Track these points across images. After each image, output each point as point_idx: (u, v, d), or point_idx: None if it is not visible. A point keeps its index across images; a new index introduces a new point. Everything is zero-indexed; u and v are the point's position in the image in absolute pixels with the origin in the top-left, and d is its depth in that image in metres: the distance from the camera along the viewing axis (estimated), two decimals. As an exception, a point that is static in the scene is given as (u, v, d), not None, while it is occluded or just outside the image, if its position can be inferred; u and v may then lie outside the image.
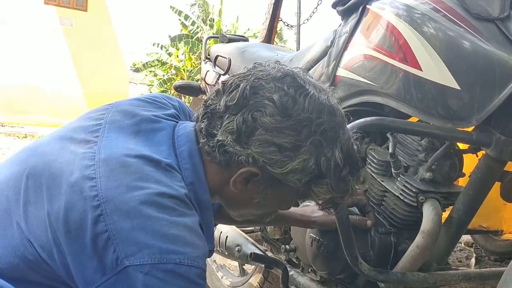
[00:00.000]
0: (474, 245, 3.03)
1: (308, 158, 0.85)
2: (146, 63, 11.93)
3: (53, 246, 0.80)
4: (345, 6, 1.44)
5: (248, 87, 0.86)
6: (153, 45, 11.82)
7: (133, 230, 0.77)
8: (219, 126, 0.87)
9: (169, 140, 0.91)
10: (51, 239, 0.80)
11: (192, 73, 10.95)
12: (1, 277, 0.81)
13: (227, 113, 0.86)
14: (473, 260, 2.78)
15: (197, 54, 10.80)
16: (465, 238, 3.07)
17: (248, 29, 12.19)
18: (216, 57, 2.05)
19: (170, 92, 9.61)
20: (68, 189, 0.81)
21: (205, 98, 0.93)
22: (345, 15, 1.51)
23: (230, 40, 2.18)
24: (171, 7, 11.43)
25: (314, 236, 1.37)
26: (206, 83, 2.13)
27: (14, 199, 0.85)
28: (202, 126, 0.89)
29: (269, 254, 1.64)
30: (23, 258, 0.81)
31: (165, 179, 0.83)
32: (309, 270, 1.48)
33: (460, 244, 3.11)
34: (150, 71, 12.30)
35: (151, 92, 11.66)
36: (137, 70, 12.29)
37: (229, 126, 0.85)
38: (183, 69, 11.29)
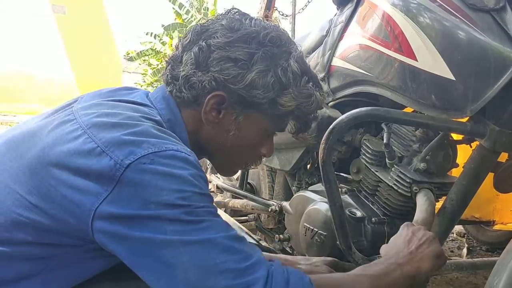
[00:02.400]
0: (466, 235, 3.06)
1: (264, 70, 0.90)
2: (140, 52, 11.86)
3: (42, 184, 0.78)
4: (341, -5, 1.43)
5: (198, 25, 0.95)
6: (146, 34, 11.74)
7: (123, 136, 0.79)
8: (181, 66, 0.93)
9: (144, 95, 0.96)
10: (39, 178, 0.78)
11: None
12: None
13: (184, 52, 0.93)
14: (465, 250, 2.81)
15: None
16: (457, 228, 3.10)
17: (243, 19, 12.09)
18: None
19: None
20: (50, 133, 0.82)
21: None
22: (340, 4, 1.51)
23: None
24: (165, -5, 11.33)
25: (308, 225, 1.37)
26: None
27: None
28: (167, 73, 0.95)
29: (263, 243, 1.65)
30: (8, 213, 0.79)
31: (142, 109, 0.88)
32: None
33: (452, 235, 3.13)
34: (144, 60, 12.23)
35: (144, 81, 11.62)
36: (131, 59, 12.21)
37: (188, 60, 0.92)
38: (177, 58, 11.23)
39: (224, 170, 1.07)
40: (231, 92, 0.90)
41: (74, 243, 0.79)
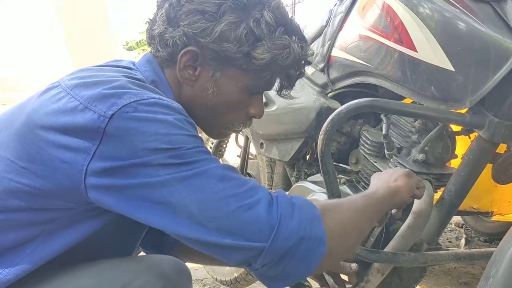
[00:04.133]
0: (464, 226, 3.07)
1: (235, 21, 0.87)
2: (139, 41, 11.81)
3: (31, 147, 0.78)
4: (341, -15, 1.42)
5: None
6: (146, 23, 11.69)
7: (104, 90, 0.79)
8: (155, 25, 0.92)
9: (130, 62, 0.96)
10: (28, 142, 0.78)
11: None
12: None
13: (158, 10, 0.92)
14: (463, 241, 2.83)
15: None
16: (456, 219, 3.11)
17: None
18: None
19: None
20: (36, 100, 0.83)
21: None
22: (340, -6, 1.50)
23: None
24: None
25: (307, 216, 1.37)
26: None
27: None
28: (146, 34, 0.95)
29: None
30: (0, 180, 0.79)
31: (125, 70, 0.89)
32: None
33: (450, 225, 3.15)
34: (143, 50, 12.17)
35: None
36: (130, 48, 12.16)
37: (161, 17, 0.91)
38: (177, 48, 11.20)
39: (212, 132, 1.04)
40: (203, 47, 0.88)
41: (68, 206, 0.79)
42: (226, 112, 0.96)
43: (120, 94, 0.78)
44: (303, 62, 0.96)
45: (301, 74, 1.00)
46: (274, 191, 0.83)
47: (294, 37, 0.92)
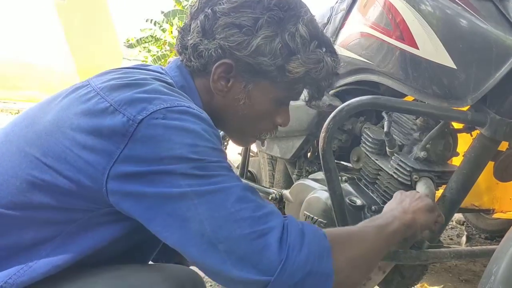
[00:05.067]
0: (465, 223, 3.07)
1: (271, 35, 0.88)
2: (140, 39, 11.79)
3: (57, 145, 0.78)
4: (342, -18, 1.42)
5: None
6: (146, 21, 11.67)
7: (135, 94, 0.79)
8: (189, 35, 0.93)
9: (159, 67, 0.96)
10: (54, 140, 0.78)
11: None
12: (5, 209, 0.78)
13: (192, 20, 0.93)
14: (464, 238, 2.83)
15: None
16: (457, 216, 3.11)
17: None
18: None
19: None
20: (64, 98, 0.83)
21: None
22: (342, -9, 1.50)
23: None
24: (165, -19, 11.24)
25: (308, 213, 1.38)
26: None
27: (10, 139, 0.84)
28: (178, 43, 0.95)
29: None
30: (24, 176, 0.78)
31: (155, 73, 0.89)
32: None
33: (451, 222, 3.15)
34: (144, 47, 12.16)
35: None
36: (130, 46, 12.14)
37: (196, 28, 0.91)
38: (178, 46, 11.18)
39: (239, 140, 1.06)
40: (238, 60, 0.89)
41: (89, 207, 0.79)
42: (255, 122, 0.97)
43: (151, 99, 0.78)
44: (334, 74, 0.97)
45: (331, 85, 1.02)
46: (286, 217, 0.80)
47: (326, 50, 0.93)
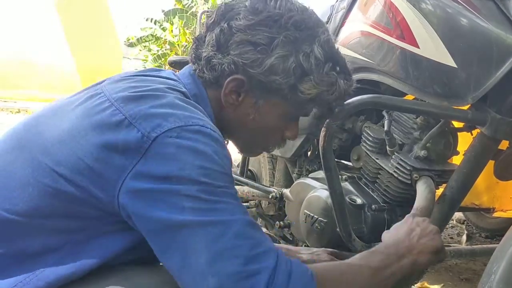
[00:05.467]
0: (465, 222, 3.07)
1: (285, 55, 0.88)
2: (140, 38, 11.79)
3: (70, 156, 0.78)
4: (343, -19, 1.42)
5: (223, 5, 0.93)
6: (146, 20, 11.67)
7: (151, 108, 0.79)
8: (204, 46, 0.93)
9: (171, 72, 0.96)
10: (68, 150, 0.78)
11: (187, 48, 10.83)
12: (15, 215, 0.78)
13: (208, 31, 0.92)
14: (464, 237, 2.83)
15: (192, 29, 10.67)
16: (457, 215, 3.11)
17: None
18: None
19: (165, 68, 9.53)
20: (78, 106, 0.83)
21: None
22: (342, -10, 1.50)
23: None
24: (165, -20, 11.22)
25: (308, 212, 1.38)
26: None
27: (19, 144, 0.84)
28: (192, 53, 0.95)
29: (264, 230, 1.66)
30: (36, 184, 0.79)
31: (169, 81, 0.89)
32: (303, 246, 1.50)
33: (452, 221, 3.14)
34: (144, 46, 12.16)
35: (145, 67, 11.56)
36: (131, 45, 12.15)
37: (210, 41, 0.91)
38: (178, 44, 11.17)
39: (246, 151, 1.07)
40: (250, 77, 0.89)
41: (100, 215, 0.79)
42: (264, 136, 0.98)
43: (167, 116, 0.78)
44: (346, 95, 0.97)
45: (342, 105, 1.02)
46: (277, 249, 0.80)
47: (340, 72, 0.93)
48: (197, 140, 0.77)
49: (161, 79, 0.89)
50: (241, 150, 1.05)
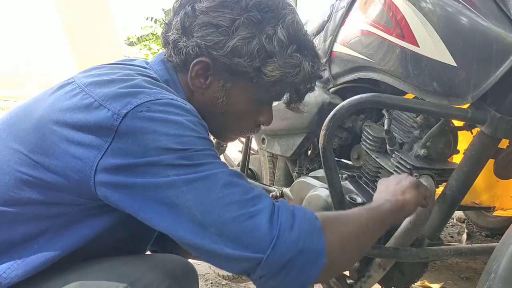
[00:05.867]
0: (466, 221, 3.08)
1: (248, 37, 0.88)
2: (140, 36, 11.77)
3: (44, 142, 0.79)
4: (343, -20, 1.42)
5: None
6: (147, 19, 11.66)
7: (119, 89, 0.80)
8: (171, 30, 0.94)
9: (144, 61, 0.97)
10: (42, 136, 0.79)
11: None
12: None
13: (174, 15, 0.94)
14: (464, 236, 2.83)
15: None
16: (457, 214, 3.11)
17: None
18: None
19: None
20: (51, 95, 0.85)
21: None
22: (342, -11, 1.49)
23: None
24: (165, -21, 11.22)
25: (309, 211, 1.38)
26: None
27: None
28: (162, 37, 0.97)
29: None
30: (13, 172, 0.80)
31: (139, 68, 0.90)
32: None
33: (452, 220, 3.15)
34: (145, 45, 12.14)
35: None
36: (131, 44, 12.12)
37: (176, 25, 0.93)
38: (178, 43, 11.18)
39: (220, 136, 1.06)
40: (215, 59, 0.89)
41: (78, 201, 0.80)
42: (235, 120, 0.98)
43: (135, 93, 0.79)
44: (313, 78, 0.97)
45: (311, 89, 1.01)
46: (277, 201, 0.82)
47: (306, 54, 0.93)
48: (168, 112, 0.78)
49: (132, 66, 0.91)
50: (215, 135, 1.04)
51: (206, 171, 0.76)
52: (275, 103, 1.67)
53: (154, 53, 11.48)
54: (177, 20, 0.92)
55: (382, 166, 1.30)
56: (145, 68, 0.93)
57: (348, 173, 1.43)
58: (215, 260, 0.77)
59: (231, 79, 0.91)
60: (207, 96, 0.94)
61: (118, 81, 0.82)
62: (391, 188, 1.00)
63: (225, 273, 2.07)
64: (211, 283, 2.20)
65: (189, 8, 0.90)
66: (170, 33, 0.94)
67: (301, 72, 0.92)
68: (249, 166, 2.15)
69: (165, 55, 0.96)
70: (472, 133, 1.26)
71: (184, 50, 0.90)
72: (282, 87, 0.95)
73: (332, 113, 1.10)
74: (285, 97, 1.02)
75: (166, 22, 0.97)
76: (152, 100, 0.78)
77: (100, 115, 0.77)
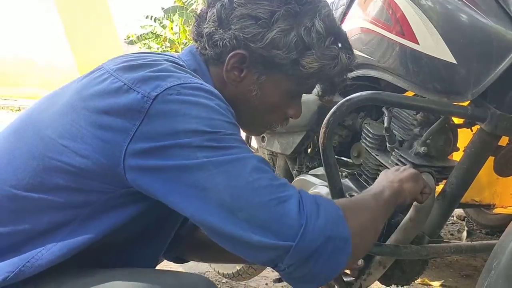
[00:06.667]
0: (466, 218, 3.08)
1: (287, 28, 0.88)
2: (140, 35, 11.76)
3: (73, 126, 0.79)
4: (342, -23, 1.42)
5: None
6: (146, 17, 11.65)
7: (148, 73, 0.80)
8: (205, 22, 0.93)
9: (171, 54, 0.96)
10: (70, 121, 0.79)
11: (187, 45, 10.80)
12: (23, 190, 0.79)
13: (209, 8, 0.93)
14: (465, 233, 2.83)
15: (191, 26, 10.65)
16: (458, 211, 3.11)
17: None
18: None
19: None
20: (79, 82, 0.85)
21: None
22: (342, -13, 1.49)
23: None
24: (164, -23, 11.21)
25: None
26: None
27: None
28: (194, 30, 0.95)
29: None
30: (41, 158, 0.79)
31: (167, 57, 0.90)
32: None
33: (452, 218, 3.15)
34: (144, 44, 12.13)
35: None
36: (131, 42, 12.12)
37: (212, 17, 0.91)
38: (178, 42, 11.16)
39: (249, 130, 1.06)
40: (252, 51, 0.89)
41: (105, 188, 0.79)
42: (266, 113, 0.98)
43: (164, 77, 0.79)
44: (348, 71, 0.97)
45: (345, 81, 1.01)
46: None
47: (342, 46, 0.93)
48: (198, 95, 0.78)
49: (159, 54, 0.91)
50: (245, 128, 1.04)
51: (236, 154, 0.76)
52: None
53: (154, 51, 11.46)
54: (213, 12, 0.91)
55: (382, 163, 1.30)
56: (173, 57, 0.92)
57: (348, 171, 1.43)
58: (241, 249, 0.76)
59: (266, 72, 0.91)
60: (241, 88, 0.93)
61: (146, 65, 0.82)
62: (389, 178, 1.01)
63: (226, 271, 2.07)
64: (212, 281, 2.20)
65: (226, 1, 0.89)
66: (205, 26, 0.92)
67: (339, 64, 0.92)
68: (249, 164, 2.14)
69: (197, 48, 0.95)
70: (472, 130, 1.25)
71: (221, 43, 0.90)
72: (318, 79, 0.95)
73: (332, 111, 1.10)
74: (316, 90, 1.02)
75: (198, 14, 0.96)
76: (182, 83, 0.78)
77: (129, 98, 0.77)
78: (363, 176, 1.39)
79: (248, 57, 0.89)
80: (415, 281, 1.41)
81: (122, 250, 0.89)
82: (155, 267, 1.01)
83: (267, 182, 0.75)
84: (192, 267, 2.17)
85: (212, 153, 0.75)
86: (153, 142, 0.75)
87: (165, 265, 1.27)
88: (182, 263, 1.23)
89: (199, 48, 0.94)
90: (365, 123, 1.39)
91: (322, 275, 0.77)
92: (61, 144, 0.78)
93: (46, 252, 0.78)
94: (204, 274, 2.24)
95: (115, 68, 0.83)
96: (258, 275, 2.05)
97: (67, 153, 0.78)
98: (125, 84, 0.79)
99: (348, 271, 1.23)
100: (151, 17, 11.63)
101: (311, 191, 1.40)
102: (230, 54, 0.90)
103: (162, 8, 11.35)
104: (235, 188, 0.74)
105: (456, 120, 1.28)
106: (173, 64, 0.85)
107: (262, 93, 0.93)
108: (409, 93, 1.26)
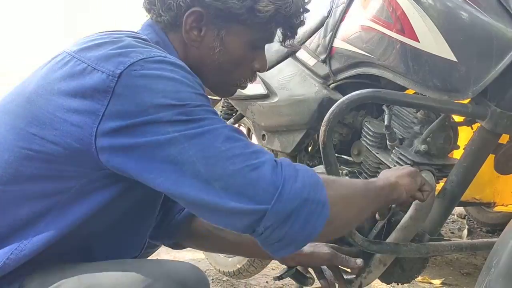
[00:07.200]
0: (466, 216, 3.08)
1: None
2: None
3: (40, 113, 0.78)
4: (343, -25, 1.42)
5: None
6: (146, 16, 11.64)
7: (110, 50, 0.79)
8: None
9: (131, 31, 0.94)
10: (37, 108, 0.79)
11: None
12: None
13: None
14: (465, 232, 2.83)
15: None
16: (458, 209, 3.11)
17: None
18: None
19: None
20: (43, 68, 0.84)
21: None
22: (342, -15, 1.49)
23: None
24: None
25: (309, 207, 1.38)
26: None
27: None
28: (145, 1, 0.95)
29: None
30: (11, 148, 0.79)
31: (128, 32, 0.89)
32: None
33: (452, 216, 3.15)
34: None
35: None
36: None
37: None
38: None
39: (220, 91, 1.05)
40: (207, 6, 0.89)
41: (80, 173, 0.79)
42: (233, 69, 0.97)
43: (127, 53, 0.78)
44: (304, 11, 0.97)
45: (302, 23, 1.00)
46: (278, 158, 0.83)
47: None
48: (162, 68, 0.77)
49: (120, 31, 0.90)
50: (215, 90, 1.03)
51: (207, 126, 0.76)
52: (274, 99, 1.67)
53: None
54: None
55: (383, 161, 1.30)
56: (135, 32, 0.92)
57: (349, 169, 1.43)
58: (219, 217, 0.77)
59: (225, 26, 0.91)
60: (203, 48, 0.93)
61: (108, 43, 0.81)
62: (387, 173, 1.02)
63: (226, 269, 2.08)
64: (212, 279, 2.20)
65: None
66: None
67: (294, 2, 0.92)
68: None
69: (151, 18, 0.95)
70: (472, 128, 1.25)
71: (174, 4, 0.89)
72: (276, 22, 0.94)
73: (332, 108, 1.10)
74: (278, 37, 1.01)
75: None
76: (145, 58, 0.77)
77: (94, 79, 0.76)
78: (363, 174, 1.39)
79: (205, 13, 0.89)
80: (415, 279, 1.41)
81: (106, 240, 0.88)
82: (142, 254, 1.02)
83: (240, 150, 0.76)
84: (193, 265, 2.17)
85: (182, 126, 0.75)
86: (123, 121, 0.74)
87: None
88: (181, 249, 1.24)
89: (154, 17, 0.94)
90: (366, 121, 1.39)
91: (299, 238, 0.78)
92: (30, 133, 0.78)
93: (29, 243, 0.78)
94: (205, 272, 2.25)
95: (77, 49, 0.82)
96: (258, 273, 2.06)
97: (37, 141, 0.77)
98: (88, 65, 0.78)
99: (348, 269, 1.23)
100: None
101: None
102: (186, 14, 0.89)
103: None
104: (209, 159, 0.74)
105: (457, 118, 1.28)
106: (136, 39, 0.84)
107: (225, 48, 0.92)
108: (410, 91, 1.26)
